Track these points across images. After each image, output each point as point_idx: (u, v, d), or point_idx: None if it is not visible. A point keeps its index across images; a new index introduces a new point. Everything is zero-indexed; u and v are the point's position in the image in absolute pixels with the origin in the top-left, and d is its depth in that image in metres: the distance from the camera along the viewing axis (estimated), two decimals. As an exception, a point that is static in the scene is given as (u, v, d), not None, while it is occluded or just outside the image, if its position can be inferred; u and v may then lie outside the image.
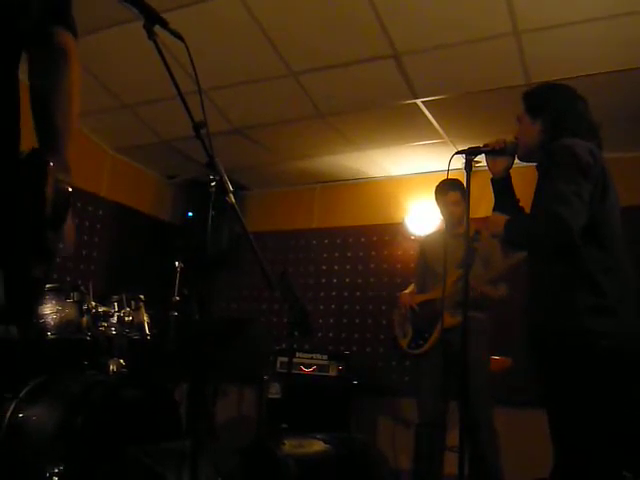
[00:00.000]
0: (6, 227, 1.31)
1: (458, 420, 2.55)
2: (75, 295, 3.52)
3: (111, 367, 3.37)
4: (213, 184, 2.03)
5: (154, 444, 2.69)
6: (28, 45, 1.49)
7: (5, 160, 1.35)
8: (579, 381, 2.18)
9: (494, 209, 2.57)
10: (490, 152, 2.57)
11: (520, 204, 2.59)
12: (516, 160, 2.58)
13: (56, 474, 2.56)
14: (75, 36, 1.57)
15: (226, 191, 2.03)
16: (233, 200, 2.05)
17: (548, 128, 2.42)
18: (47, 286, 3.42)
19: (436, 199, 4.13)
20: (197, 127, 1.94)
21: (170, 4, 3.51)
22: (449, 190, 3.98)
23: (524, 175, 2.68)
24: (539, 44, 3.75)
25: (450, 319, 3.70)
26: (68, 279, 4.94)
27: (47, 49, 1.51)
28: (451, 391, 3.78)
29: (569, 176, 2.21)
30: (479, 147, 2.58)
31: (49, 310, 3.40)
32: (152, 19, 1.83)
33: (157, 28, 1.85)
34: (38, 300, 3.30)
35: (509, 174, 2.60)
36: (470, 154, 2.58)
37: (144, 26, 1.82)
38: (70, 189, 1.40)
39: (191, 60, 1.88)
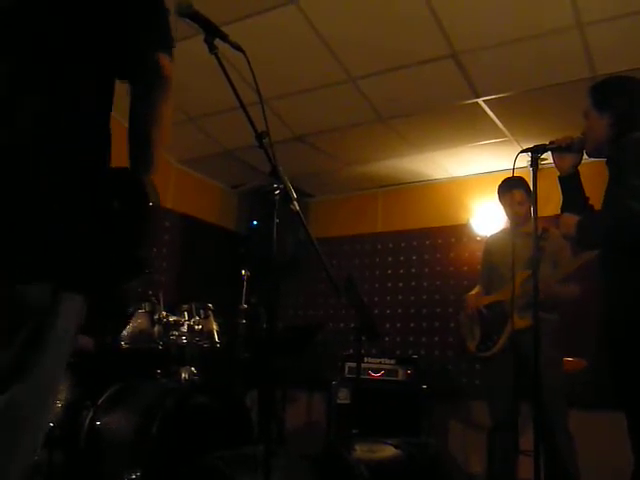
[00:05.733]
0: (102, 246, 1.39)
1: (532, 423, 2.50)
2: (147, 306, 3.63)
3: (183, 375, 3.45)
4: (277, 192, 2.06)
5: (227, 449, 2.73)
6: (130, 70, 1.53)
7: (99, 181, 1.43)
8: None
9: (563, 208, 2.51)
10: (557, 149, 2.52)
11: (590, 202, 2.53)
12: (584, 156, 2.52)
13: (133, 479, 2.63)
14: (171, 55, 1.59)
15: (290, 199, 2.05)
16: (297, 207, 2.07)
17: (616, 122, 2.35)
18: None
19: (499, 198, 4.05)
20: (260, 136, 1.97)
21: (229, 17, 3.57)
22: (513, 189, 3.90)
23: (593, 171, 2.61)
24: (604, 36, 3.64)
25: (519, 321, 3.60)
26: (139, 290, 5.07)
27: (148, 75, 1.53)
28: (523, 393, 3.70)
29: (643, 171, 2.14)
30: (545, 145, 2.53)
31: (123, 321, 3.52)
32: (212, 33, 1.87)
33: (217, 41, 1.89)
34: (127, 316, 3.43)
35: (577, 171, 2.54)
36: (536, 152, 2.54)
37: (205, 40, 1.86)
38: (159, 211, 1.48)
39: (251, 71, 1.92)
